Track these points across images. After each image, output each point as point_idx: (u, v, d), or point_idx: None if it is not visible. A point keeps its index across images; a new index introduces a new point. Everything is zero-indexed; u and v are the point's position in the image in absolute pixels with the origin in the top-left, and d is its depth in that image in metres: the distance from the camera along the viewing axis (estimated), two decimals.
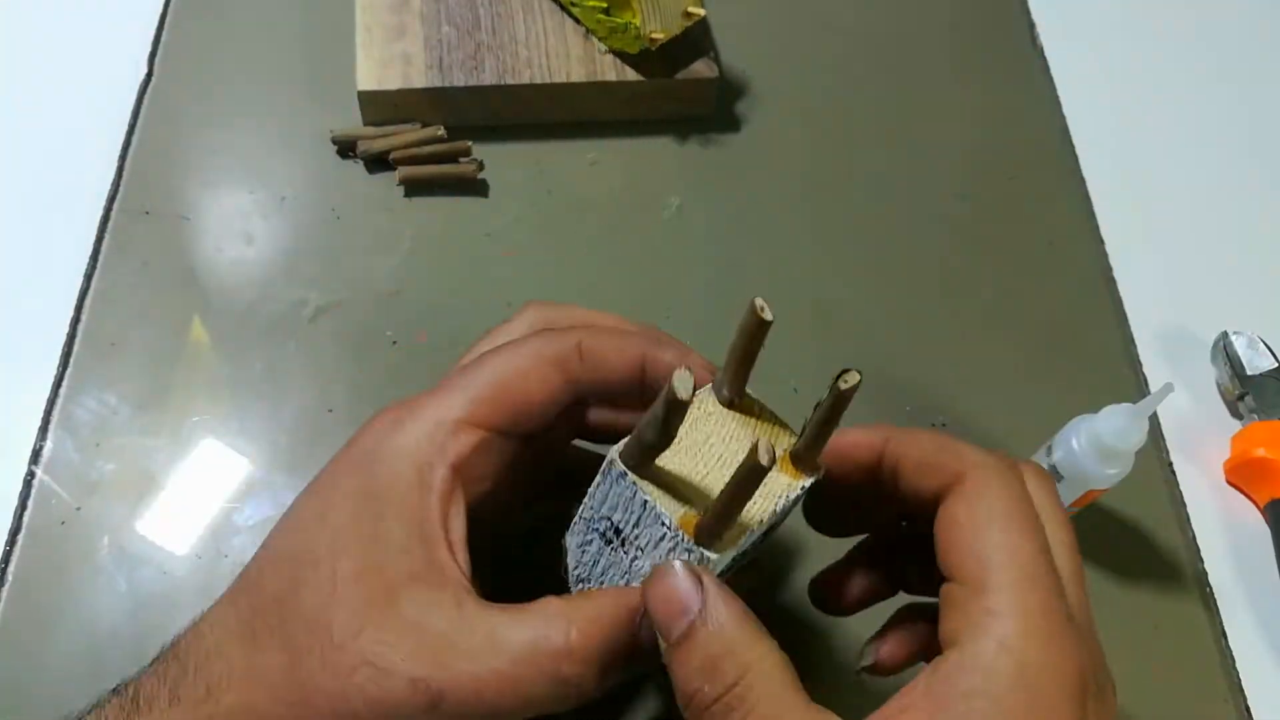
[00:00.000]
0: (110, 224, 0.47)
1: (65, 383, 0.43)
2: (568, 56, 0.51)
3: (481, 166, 0.49)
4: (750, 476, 0.24)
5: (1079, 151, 0.56)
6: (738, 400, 0.29)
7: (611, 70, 0.51)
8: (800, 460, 0.28)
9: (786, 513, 0.29)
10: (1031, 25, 0.61)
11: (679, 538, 0.26)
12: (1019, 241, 0.53)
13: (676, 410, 0.25)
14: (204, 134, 0.50)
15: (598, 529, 0.29)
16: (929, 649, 0.30)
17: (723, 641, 0.24)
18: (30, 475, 0.41)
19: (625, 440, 0.27)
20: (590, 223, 0.50)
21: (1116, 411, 0.39)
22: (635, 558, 0.28)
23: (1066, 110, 0.58)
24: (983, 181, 0.54)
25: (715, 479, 0.27)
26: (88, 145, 0.49)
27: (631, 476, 0.26)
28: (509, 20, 0.52)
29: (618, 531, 0.28)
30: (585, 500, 0.29)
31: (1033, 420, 0.46)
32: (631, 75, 0.51)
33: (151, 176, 0.49)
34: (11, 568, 0.39)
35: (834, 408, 0.27)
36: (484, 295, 0.47)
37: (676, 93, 0.52)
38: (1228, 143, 0.59)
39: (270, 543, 0.28)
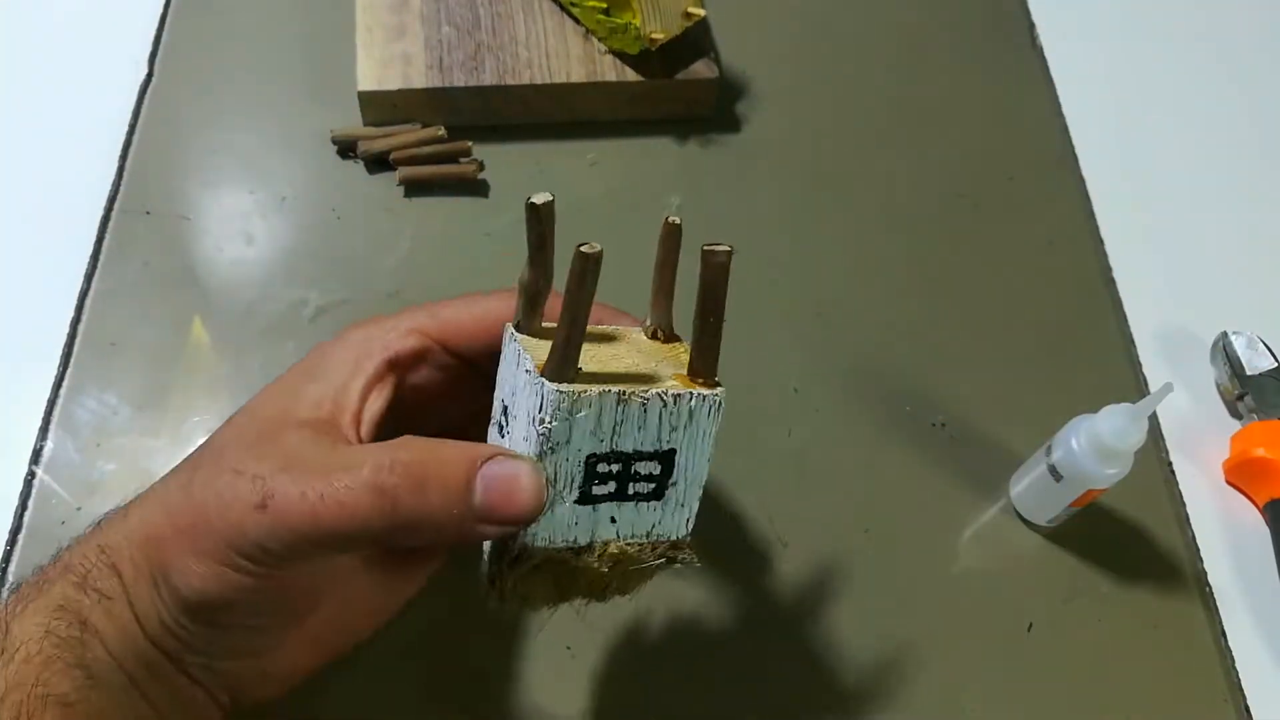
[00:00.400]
0: (111, 224, 0.47)
1: (66, 382, 0.43)
2: (568, 57, 0.51)
3: (481, 167, 0.49)
4: (581, 277, 0.26)
5: (1078, 152, 0.56)
6: (661, 333, 0.30)
7: (611, 70, 0.51)
8: (698, 375, 0.28)
9: (699, 430, 0.28)
10: (1031, 26, 0.61)
11: (538, 384, 0.26)
12: (1019, 241, 0.53)
13: (535, 221, 0.26)
14: (204, 134, 0.50)
15: (498, 422, 0.29)
16: None
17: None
18: (31, 475, 0.41)
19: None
20: (590, 223, 0.50)
21: (1116, 411, 0.39)
22: (513, 431, 0.28)
23: (1066, 110, 0.58)
24: (982, 181, 0.54)
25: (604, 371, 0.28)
26: (88, 146, 0.49)
27: (514, 335, 0.28)
28: (509, 20, 0.52)
29: (505, 411, 0.29)
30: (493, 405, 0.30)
31: (1032, 419, 0.46)
32: (631, 75, 0.51)
33: (152, 177, 0.49)
34: (12, 567, 0.39)
35: (706, 289, 0.28)
36: None
37: (676, 93, 0.52)
38: (1227, 143, 0.59)
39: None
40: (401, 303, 0.46)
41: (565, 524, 0.27)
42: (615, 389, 0.26)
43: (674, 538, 0.28)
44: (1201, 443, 0.47)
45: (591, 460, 0.27)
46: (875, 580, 0.42)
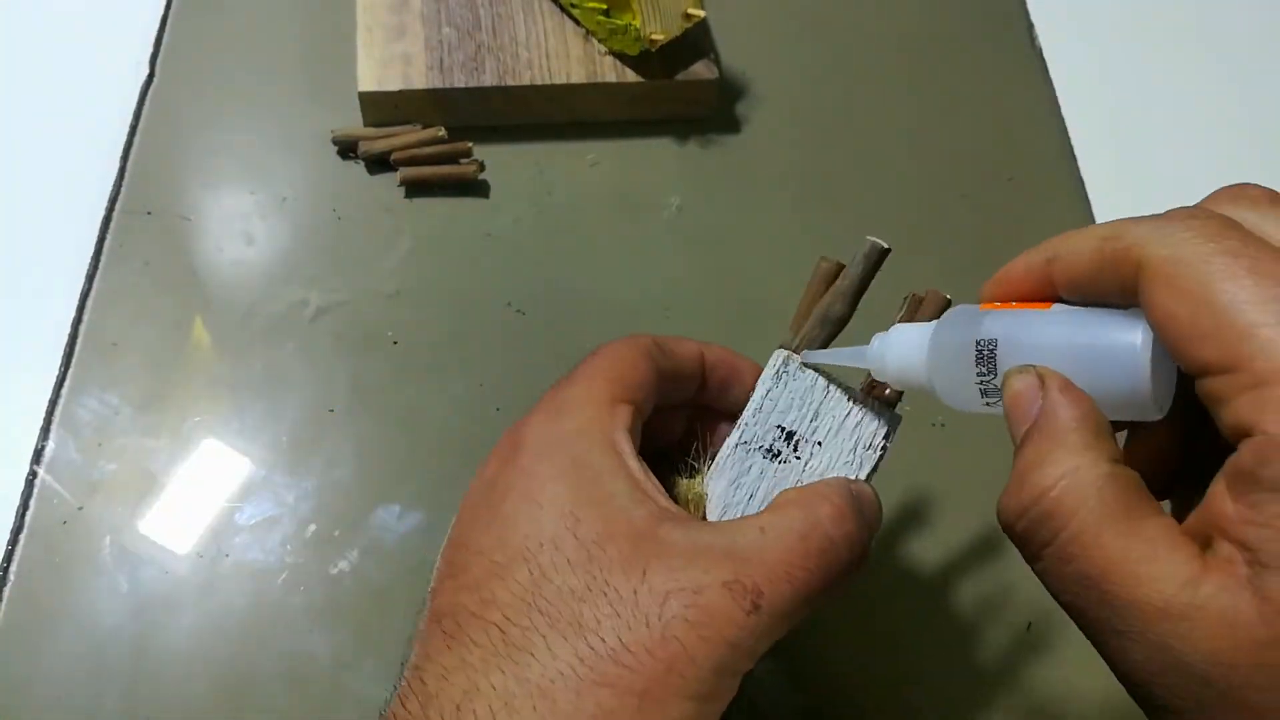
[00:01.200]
0: (112, 224, 0.47)
1: (67, 383, 0.43)
2: (568, 57, 0.51)
3: (482, 167, 0.50)
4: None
5: (1077, 152, 0.56)
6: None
7: (611, 71, 0.51)
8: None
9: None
10: (1030, 26, 0.61)
11: (869, 404, 0.30)
12: (1018, 242, 0.52)
13: (874, 265, 0.30)
14: (205, 135, 0.50)
15: (761, 446, 0.30)
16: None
17: (1048, 444, 0.22)
18: (32, 475, 0.41)
19: (794, 340, 0.31)
20: (590, 223, 0.50)
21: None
22: (811, 456, 0.30)
23: (1065, 111, 0.58)
24: (982, 182, 0.55)
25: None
26: (90, 146, 0.49)
27: (810, 366, 0.30)
28: (509, 21, 0.52)
29: (789, 436, 0.30)
30: (741, 427, 0.30)
31: None
32: (631, 76, 0.51)
33: (153, 177, 0.49)
34: (14, 567, 0.39)
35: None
36: (484, 295, 0.47)
37: (677, 94, 0.52)
38: (1225, 143, 0.59)
39: (481, 566, 0.26)
40: (402, 303, 0.46)
41: None
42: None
43: None
44: None
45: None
46: (874, 578, 0.42)
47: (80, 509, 0.40)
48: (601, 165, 0.52)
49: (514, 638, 0.24)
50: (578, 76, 0.50)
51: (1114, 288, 0.22)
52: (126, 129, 0.50)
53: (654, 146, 0.53)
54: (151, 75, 0.52)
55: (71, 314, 0.44)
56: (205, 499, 0.41)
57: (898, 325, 0.29)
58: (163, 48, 0.53)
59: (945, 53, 0.60)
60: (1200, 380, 0.20)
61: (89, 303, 0.45)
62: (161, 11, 0.54)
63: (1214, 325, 0.19)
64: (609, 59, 0.51)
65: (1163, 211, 0.22)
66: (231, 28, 0.54)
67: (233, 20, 0.54)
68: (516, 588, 0.25)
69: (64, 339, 0.44)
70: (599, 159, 0.52)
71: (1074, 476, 0.21)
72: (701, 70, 0.52)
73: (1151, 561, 0.19)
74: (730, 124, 0.54)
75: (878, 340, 0.29)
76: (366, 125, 0.50)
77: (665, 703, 0.23)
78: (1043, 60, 0.60)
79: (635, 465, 0.27)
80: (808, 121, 0.55)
